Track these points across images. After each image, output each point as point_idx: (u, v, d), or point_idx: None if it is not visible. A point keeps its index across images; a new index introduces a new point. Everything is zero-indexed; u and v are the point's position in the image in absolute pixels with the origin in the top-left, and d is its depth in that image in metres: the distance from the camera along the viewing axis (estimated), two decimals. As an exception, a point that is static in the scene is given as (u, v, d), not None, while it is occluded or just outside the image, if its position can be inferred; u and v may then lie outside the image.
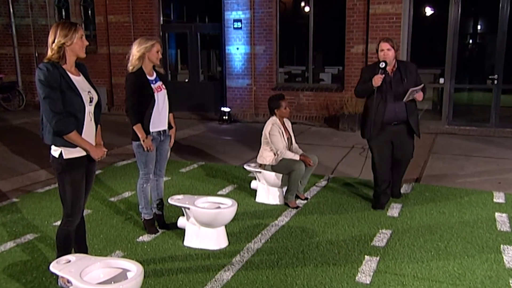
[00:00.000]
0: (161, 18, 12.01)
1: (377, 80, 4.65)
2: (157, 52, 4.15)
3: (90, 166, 3.33)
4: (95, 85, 3.37)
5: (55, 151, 3.17)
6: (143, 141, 4.13)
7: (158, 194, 4.53)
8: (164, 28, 12.08)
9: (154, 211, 4.52)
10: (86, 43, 3.19)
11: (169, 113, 4.36)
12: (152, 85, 4.16)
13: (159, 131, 4.28)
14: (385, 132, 4.86)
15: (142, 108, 4.13)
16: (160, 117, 4.24)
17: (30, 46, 13.17)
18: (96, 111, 3.30)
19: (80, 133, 3.14)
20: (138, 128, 4.13)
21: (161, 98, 4.23)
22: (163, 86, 4.28)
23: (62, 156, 3.14)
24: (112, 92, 12.45)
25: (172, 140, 4.48)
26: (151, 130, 4.19)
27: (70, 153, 3.15)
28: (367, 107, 4.91)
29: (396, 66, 4.83)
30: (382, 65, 4.64)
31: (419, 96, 4.73)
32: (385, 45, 4.74)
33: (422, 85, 4.77)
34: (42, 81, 3.01)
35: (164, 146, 4.40)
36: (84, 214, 3.52)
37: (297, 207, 5.10)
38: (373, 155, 5.02)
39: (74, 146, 3.14)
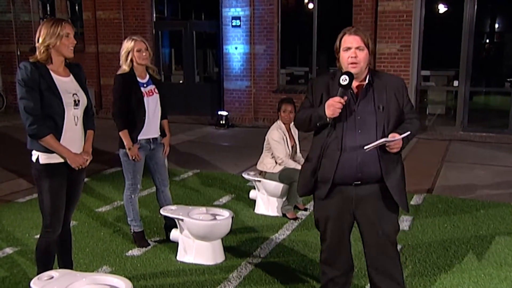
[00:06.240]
0: (154, 15, 12.07)
1: (333, 108, 2.71)
2: (138, 51, 4.12)
3: (74, 175, 3.31)
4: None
5: (33, 155, 3.19)
6: (129, 149, 4.13)
7: (167, 205, 4.49)
8: (157, 26, 12.13)
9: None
10: (74, 42, 3.19)
11: (162, 119, 4.36)
12: (142, 88, 4.16)
13: (149, 139, 4.26)
14: (338, 196, 2.93)
15: (130, 113, 4.12)
16: (150, 123, 4.22)
17: (12, 43, 13.21)
18: (85, 115, 3.30)
19: (59, 138, 3.14)
20: (124, 135, 4.12)
21: (152, 103, 4.22)
22: (156, 90, 4.26)
23: (39, 161, 3.16)
24: (101, 94, 12.48)
25: (167, 149, 4.45)
26: (139, 137, 4.18)
27: (47, 159, 3.15)
28: (311, 150, 2.98)
29: (368, 80, 2.86)
30: (345, 80, 2.69)
31: (395, 145, 2.76)
32: (353, 40, 2.76)
33: (407, 133, 2.74)
34: (19, 81, 3.05)
35: (157, 155, 4.38)
36: (70, 226, 3.51)
37: (296, 218, 5.10)
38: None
39: (52, 151, 3.15)
